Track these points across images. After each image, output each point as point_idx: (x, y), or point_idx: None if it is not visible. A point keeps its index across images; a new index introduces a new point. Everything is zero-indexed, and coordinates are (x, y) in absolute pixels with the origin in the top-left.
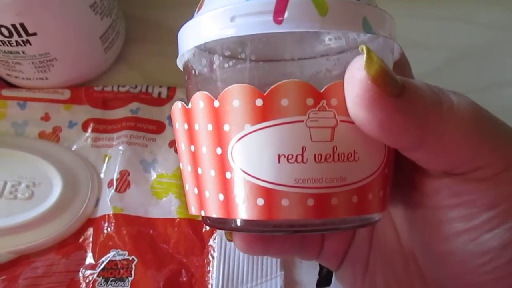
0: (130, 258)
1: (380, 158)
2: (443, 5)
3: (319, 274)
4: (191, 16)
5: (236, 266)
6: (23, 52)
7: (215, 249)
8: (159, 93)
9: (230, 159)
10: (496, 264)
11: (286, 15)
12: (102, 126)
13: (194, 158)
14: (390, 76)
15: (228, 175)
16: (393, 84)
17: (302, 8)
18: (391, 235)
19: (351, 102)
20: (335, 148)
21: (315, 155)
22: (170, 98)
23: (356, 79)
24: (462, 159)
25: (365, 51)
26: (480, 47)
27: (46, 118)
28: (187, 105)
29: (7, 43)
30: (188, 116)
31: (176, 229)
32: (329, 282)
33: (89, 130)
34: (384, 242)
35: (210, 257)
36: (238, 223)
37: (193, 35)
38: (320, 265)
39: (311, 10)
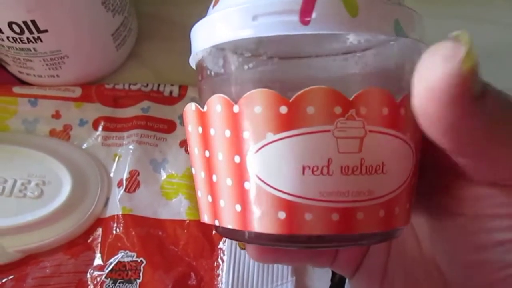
0: (139, 260)
1: (408, 168)
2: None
3: (332, 280)
4: (204, 13)
5: (246, 271)
6: (34, 49)
7: (225, 253)
8: (171, 92)
9: (249, 168)
10: None
11: (313, 15)
12: (112, 125)
13: (209, 165)
14: (478, 76)
15: (246, 185)
16: (478, 85)
17: (331, 8)
18: (411, 243)
19: (424, 92)
20: (362, 160)
21: (341, 167)
22: (181, 97)
23: (439, 70)
24: None
25: (468, 41)
26: (506, 48)
27: (57, 116)
28: (202, 107)
29: (18, 40)
30: (203, 119)
31: (185, 231)
32: None
33: (100, 128)
34: (403, 250)
35: (219, 260)
36: (253, 235)
37: (210, 33)
38: (332, 272)
39: (341, 10)
